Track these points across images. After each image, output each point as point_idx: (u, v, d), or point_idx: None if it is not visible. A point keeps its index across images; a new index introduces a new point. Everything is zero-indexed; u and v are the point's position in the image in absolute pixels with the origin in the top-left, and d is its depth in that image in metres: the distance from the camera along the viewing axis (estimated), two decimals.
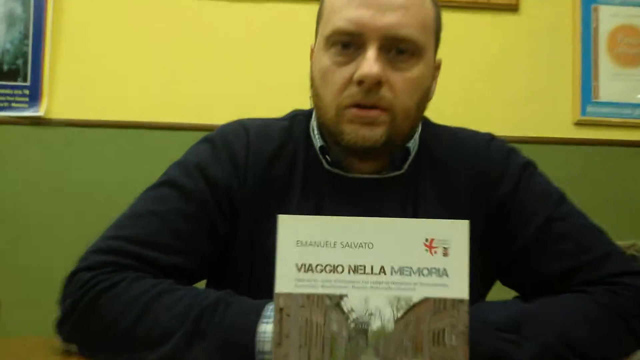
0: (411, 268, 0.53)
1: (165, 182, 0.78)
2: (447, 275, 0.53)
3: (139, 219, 0.75)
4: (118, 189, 1.47)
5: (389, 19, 0.73)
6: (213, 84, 1.84)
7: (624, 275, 0.74)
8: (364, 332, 0.53)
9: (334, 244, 0.53)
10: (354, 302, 0.53)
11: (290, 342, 0.53)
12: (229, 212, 0.78)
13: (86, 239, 0.75)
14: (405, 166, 0.81)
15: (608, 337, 0.69)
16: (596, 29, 1.94)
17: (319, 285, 0.53)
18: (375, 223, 0.55)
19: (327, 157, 0.81)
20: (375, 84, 0.73)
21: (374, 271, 0.53)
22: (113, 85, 1.82)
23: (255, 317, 0.62)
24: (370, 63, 0.72)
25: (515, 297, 0.83)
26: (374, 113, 0.74)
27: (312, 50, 0.83)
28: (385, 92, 0.74)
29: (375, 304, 0.53)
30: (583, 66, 1.92)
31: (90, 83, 1.82)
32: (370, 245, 0.53)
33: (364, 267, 0.53)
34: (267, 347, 0.60)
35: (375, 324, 0.53)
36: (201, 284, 0.82)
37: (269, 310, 0.62)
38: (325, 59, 0.76)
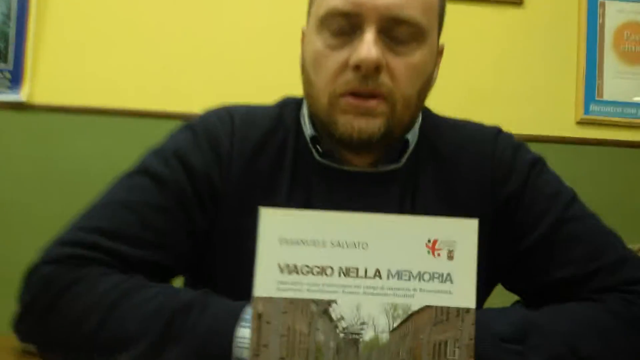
0: (410, 272, 0.47)
1: (140, 170, 0.72)
2: (451, 281, 0.47)
3: (107, 209, 0.69)
4: (103, 179, 1.40)
5: None
6: (206, 70, 1.77)
7: None
8: (355, 343, 0.47)
9: (323, 243, 0.48)
10: (344, 309, 0.47)
11: (270, 353, 0.47)
12: (210, 204, 0.72)
13: None
14: (404, 159, 0.75)
15: (621, 350, 0.63)
16: (602, 25, 1.89)
17: (304, 289, 0.47)
18: (370, 220, 0.49)
19: (318, 147, 0.75)
20: (373, 70, 0.66)
21: (368, 274, 0.47)
22: (100, 69, 1.75)
23: (234, 321, 0.56)
24: (368, 46, 0.66)
25: (516, 303, 0.77)
26: (371, 103, 0.68)
27: (303, 33, 0.76)
28: (384, 78, 0.68)
29: (368, 311, 0.47)
30: (588, 63, 1.87)
31: (75, 67, 1.75)
32: (365, 245, 0.47)
33: (357, 269, 0.47)
34: (247, 354, 0.54)
35: (367, 335, 0.47)
36: (179, 282, 0.76)
37: (249, 313, 0.56)
38: (318, 42, 0.70)
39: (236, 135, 0.74)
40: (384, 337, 0.47)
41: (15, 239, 1.66)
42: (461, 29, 1.79)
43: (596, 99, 1.87)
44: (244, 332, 0.55)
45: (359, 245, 0.48)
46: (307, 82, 0.73)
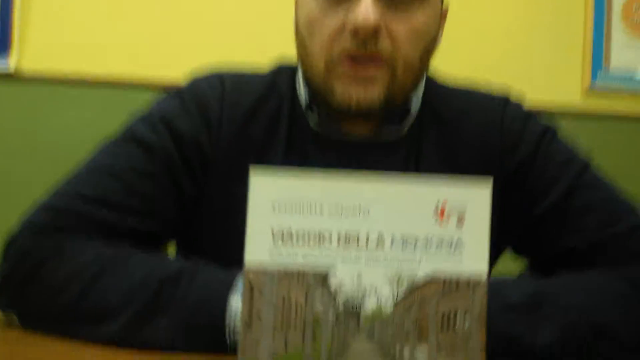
0: (417, 239, 0.44)
1: (125, 137, 0.69)
2: (461, 248, 0.44)
3: (91, 176, 0.66)
4: None
5: None
6: (200, 36, 1.71)
7: None
8: (356, 314, 0.43)
9: (321, 208, 0.43)
10: (343, 279, 0.43)
11: (263, 325, 0.43)
12: (199, 171, 0.69)
13: None
14: (406, 127, 0.72)
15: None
16: None
17: (300, 257, 0.44)
18: (373, 183, 0.45)
19: (314, 115, 0.71)
20: (372, 34, 0.62)
21: (370, 242, 0.43)
22: (93, 36, 1.69)
23: (226, 289, 0.54)
24: (366, 8, 0.61)
25: (522, 273, 0.74)
26: (370, 69, 0.64)
27: None
28: (383, 41, 0.63)
29: (370, 281, 0.43)
30: (595, 34, 1.83)
31: (67, 34, 1.68)
32: (367, 211, 0.43)
33: (358, 237, 0.43)
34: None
35: (369, 306, 0.43)
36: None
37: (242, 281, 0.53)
38: (313, 3, 0.66)
39: (226, 100, 0.71)
40: (388, 307, 0.43)
41: (2, 212, 1.63)
42: None
43: (603, 70, 1.83)
44: (237, 302, 0.52)
45: (360, 211, 0.44)
46: (301, 46, 0.69)
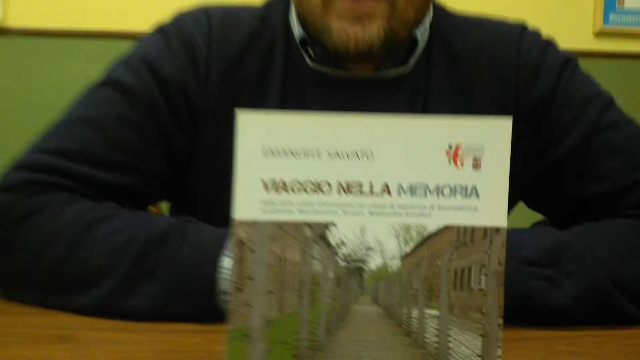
0: (427, 185, 0.38)
1: (105, 82, 0.64)
2: (477, 195, 0.39)
3: (70, 128, 0.61)
4: None
5: None
6: None
7: None
8: (359, 272, 0.39)
9: (318, 153, 0.38)
10: (344, 233, 0.38)
11: (255, 286, 0.39)
12: (186, 118, 0.64)
13: None
14: (412, 61, 0.66)
15: None
16: None
17: (296, 209, 0.38)
18: (376, 123, 0.40)
19: (310, 51, 0.65)
20: None
21: (374, 190, 0.38)
22: None
23: (217, 249, 0.50)
24: None
25: (537, 223, 0.70)
26: (367, 3, 0.58)
27: None
28: None
29: (374, 234, 0.38)
30: None
31: None
32: (370, 154, 0.38)
33: (360, 184, 0.38)
34: None
35: (374, 262, 0.39)
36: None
37: None
38: None
39: (215, 37, 0.65)
40: (394, 264, 0.39)
41: None
42: None
43: (616, 8, 1.74)
44: (229, 262, 0.48)
45: (362, 155, 0.39)
46: None
